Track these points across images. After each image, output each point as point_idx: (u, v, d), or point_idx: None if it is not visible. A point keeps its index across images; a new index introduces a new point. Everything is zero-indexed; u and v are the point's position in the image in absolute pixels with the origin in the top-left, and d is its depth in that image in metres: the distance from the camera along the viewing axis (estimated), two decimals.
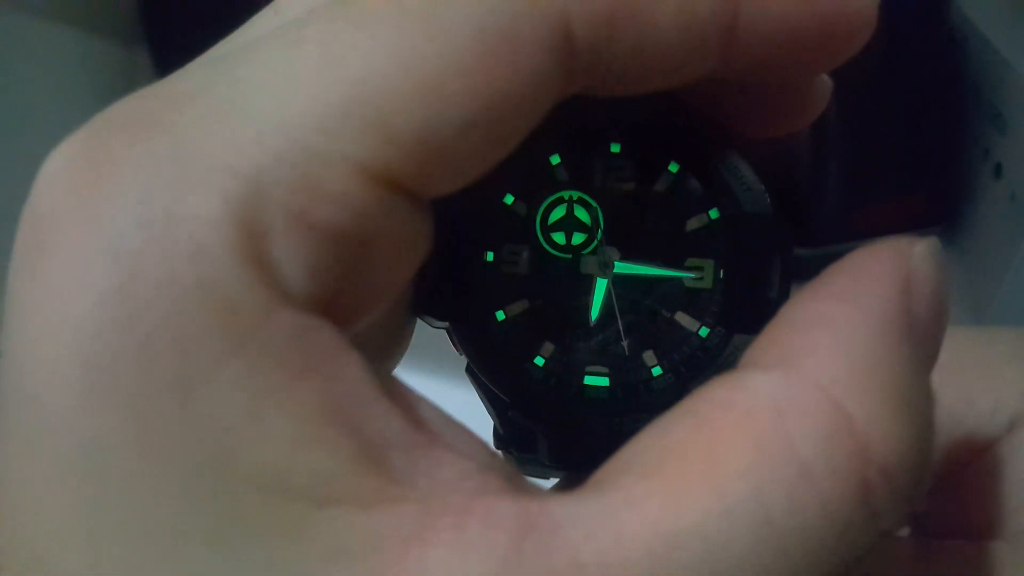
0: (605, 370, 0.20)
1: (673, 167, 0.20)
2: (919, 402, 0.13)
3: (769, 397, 0.13)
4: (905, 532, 0.22)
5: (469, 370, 0.19)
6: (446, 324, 0.19)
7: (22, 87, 0.49)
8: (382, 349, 0.19)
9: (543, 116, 0.15)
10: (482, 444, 0.14)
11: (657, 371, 0.19)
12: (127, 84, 0.55)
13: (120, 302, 0.12)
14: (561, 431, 0.19)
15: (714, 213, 0.20)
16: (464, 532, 0.12)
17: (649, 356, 0.20)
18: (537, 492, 0.13)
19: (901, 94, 0.48)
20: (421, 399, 0.14)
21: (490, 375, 0.19)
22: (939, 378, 0.20)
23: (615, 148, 0.20)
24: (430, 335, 0.20)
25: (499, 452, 0.20)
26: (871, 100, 0.47)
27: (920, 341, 0.14)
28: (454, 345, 0.19)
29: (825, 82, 0.18)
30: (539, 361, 0.20)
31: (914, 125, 0.49)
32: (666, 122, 0.19)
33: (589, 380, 0.20)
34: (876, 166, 0.49)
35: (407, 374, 0.16)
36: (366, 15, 0.13)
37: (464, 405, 0.22)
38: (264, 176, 0.13)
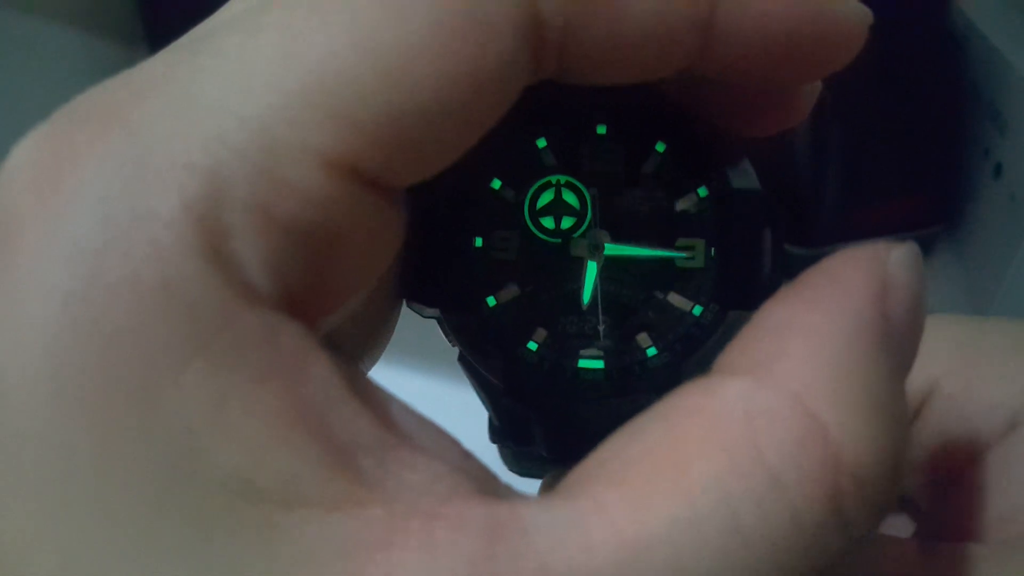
0: (599, 353, 0.19)
1: (660, 147, 0.20)
2: (893, 409, 0.13)
3: (739, 403, 0.12)
4: (909, 531, 0.22)
5: (462, 359, 0.19)
6: (436, 312, 0.19)
7: (22, 87, 0.49)
8: (363, 341, 0.18)
9: (512, 102, 0.14)
10: (455, 444, 0.14)
11: (652, 352, 0.19)
12: None
13: (82, 305, 0.12)
14: (557, 417, 0.19)
15: (703, 191, 0.20)
16: (432, 536, 0.12)
17: (643, 338, 0.19)
18: (508, 496, 0.13)
19: (901, 94, 0.48)
20: (393, 399, 0.14)
21: (483, 362, 0.19)
22: (942, 368, 0.20)
23: (602, 130, 0.20)
24: (424, 332, 0.20)
25: (476, 456, 0.20)
26: (871, 100, 0.47)
27: (895, 348, 0.13)
28: (445, 334, 0.19)
29: (814, 85, 0.18)
30: (532, 346, 0.19)
31: (914, 125, 0.49)
32: (651, 106, 0.19)
33: (584, 363, 0.19)
34: (876, 166, 0.49)
35: (401, 372, 0.16)
36: None
37: (459, 403, 0.22)
38: (224, 171, 0.12)
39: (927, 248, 0.53)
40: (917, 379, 0.19)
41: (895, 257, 0.14)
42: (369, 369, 0.19)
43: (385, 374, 0.19)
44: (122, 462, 0.12)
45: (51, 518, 0.12)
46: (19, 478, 0.12)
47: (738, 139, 0.19)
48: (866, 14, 0.15)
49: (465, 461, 0.14)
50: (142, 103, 0.13)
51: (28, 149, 0.13)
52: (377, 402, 0.13)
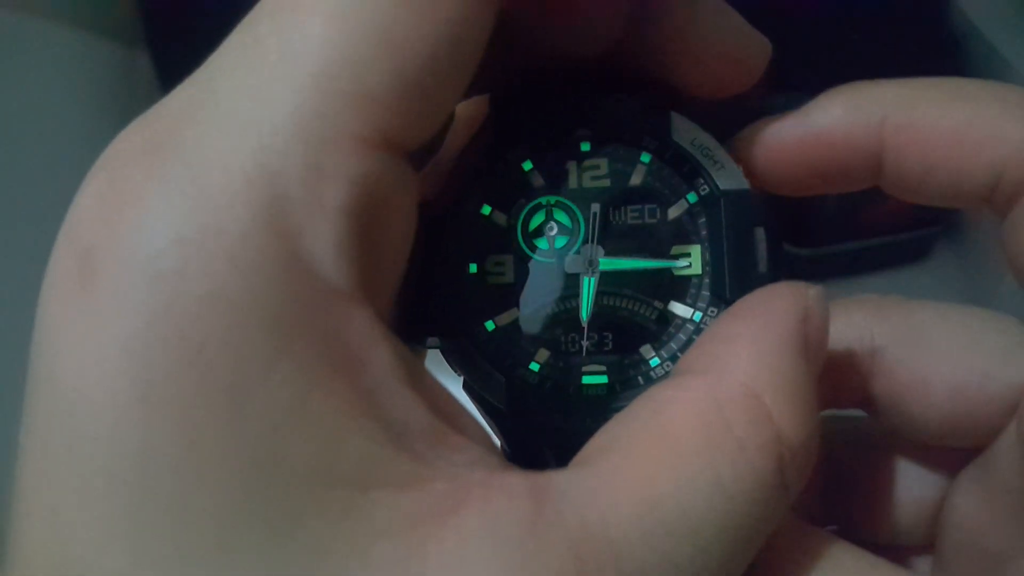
0: (602, 368, 0.19)
1: (645, 158, 0.20)
2: (811, 401, 0.16)
3: (708, 392, 0.16)
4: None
5: (466, 386, 0.19)
6: (437, 344, 0.19)
7: (22, 87, 0.49)
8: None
9: (490, 30, 0.16)
10: (483, 429, 0.16)
11: (655, 362, 0.19)
12: (127, 84, 0.55)
13: (167, 321, 0.13)
14: (564, 436, 0.19)
15: (692, 197, 0.20)
16: (491, 503, 0.14)
17: (646, 349, 0.19)
18: (536, 470, 0.15)
19: None
20: (436, 383, 0.16)
21: (485, 387, 0.19)
22: (953, 354, 0.20)
23: (585, 147, 0.20)
24: None
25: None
26: None
27: (811, 357, 0.17)
28: (448, 363, 0.19)
29: (763, 46, 0.19)
30: (534, 367, 0.19)
31: None
32: (631, 111, 0.19)
33: (587, 380, 0.19)
34: None
35: None
36: None
37: None
38: (276, 176, 0.13)
39: (927, 248, 0.53)
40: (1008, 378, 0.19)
41: (812, 293, 0.17)
42: None
43: None
44: (209, 459, 0.12)
45: (128, 516, 0.12)
46: (98, 481, 0.13)
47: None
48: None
49: (493, 445, 0.16)
50: (182, 130, 0.14)
51: (90, 189, 0.14)
52: (426, 387, 0.15)
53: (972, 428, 0.20)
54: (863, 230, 0.49)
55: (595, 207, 0.20)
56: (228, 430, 0.12)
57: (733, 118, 0.21)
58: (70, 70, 0.52)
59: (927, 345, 0.20)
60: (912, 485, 0.22)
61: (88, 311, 0.13)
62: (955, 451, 0.21)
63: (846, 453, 0.23)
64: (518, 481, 0.14)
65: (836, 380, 0.21)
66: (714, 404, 0.15)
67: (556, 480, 0.14)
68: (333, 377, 0.13)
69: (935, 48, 0.49)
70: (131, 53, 0.56)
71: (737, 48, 0.19)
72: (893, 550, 0.22)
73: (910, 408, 0.20)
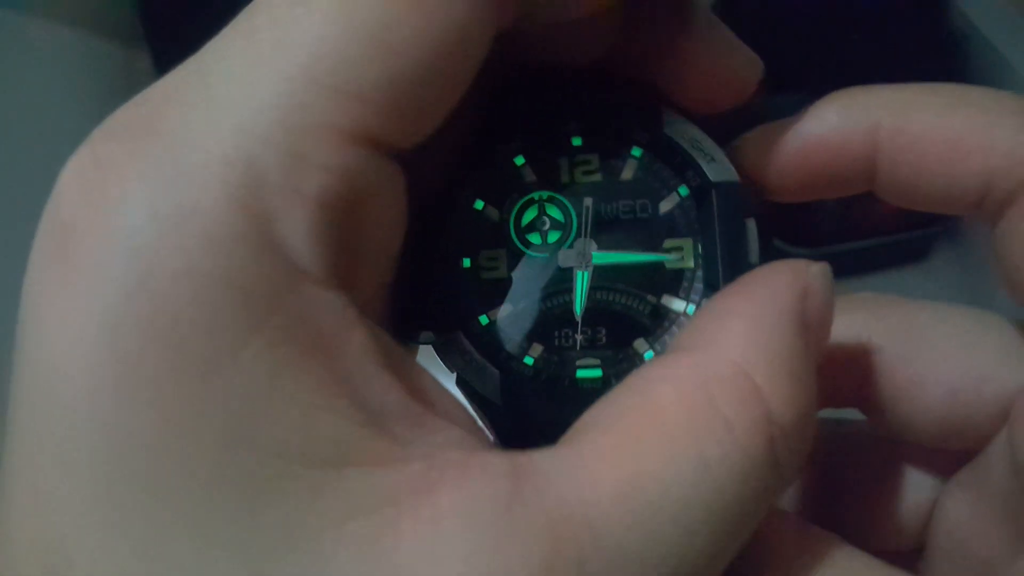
0: (597, 362, 0.19)
1: (636, 152, 0.20)
2: (807, 380, 0.16)
3: (696, 370, 0.15)
4: None
5: (460, 381, 0.19)
6: (430, 339, 0.19)
7: (22, 87, 0.49)
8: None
9: (487, 47, 0.15)
10: (465, 411, 0.16)
11: (649, 355, 0.19)
12: (127, 84, 0.55)
13: (142, 295, 0.13)
14: (559, 431, 0.19)
15: (684, 190, 0.20)
16: (468, 481, 0.13)
17: (640, 343, 0.20)
18: (518, 450, 0.15)
19: None
20: (417, 366, 0.16)
21: (479, 382, 0.19)
22: (950, 355, 0.20)
23: (577, 142, 0.20)
24: None
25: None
26: None
27: (810, 335, 0.16)
28: (441, 358, 0.19)
29: (755, 65, 0.19)
30: (528, 361, 0.19)
31: None
32: (622, 106, 0.20)
33: (582, 373, 0.19)
34: None
35: None
36: None
37: None
38: (255, 160, 0.13)
39: (926, 248, 0.53)
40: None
41: (813, 270, 0.17)
42: None
43: None
44: (182, 435, 0.13)
45: (105, 495, 0.13)
46: (75, 460, 0.13)
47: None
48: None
49: (475, 426, 0.16)
50: (167, 112, 0.14)
51: (73, 167, 0.14)
52: (405, 370, 0.15)
53: (967, 430, 0.20)
54: (863, 230, 0.49)
55: (587, 201, 0.20)
56: (200, 406, 0.13)
57: (731, 116, 0.21)
58: (70, 70, 0.52)
59: (924, 345, 0.20)
60: (906, 489, 0.22)
61: (66, 286, 0.13)
62: (950, 455, 0.21)
63: (840, 456, 0.23)
64: (498, 461, 0.14)
65: (832, 379, 0.21)
66: (702, 382, 0.15)
67: (537, 459, 0.14)
68: (305, 356, 0.13)
69: (935, 48, 0.49)
70: (131, 53, 0.56)
71: (728, 67, 0.19)
72: (887, 554, 0.22)
73: (906, 408, 0.20)
